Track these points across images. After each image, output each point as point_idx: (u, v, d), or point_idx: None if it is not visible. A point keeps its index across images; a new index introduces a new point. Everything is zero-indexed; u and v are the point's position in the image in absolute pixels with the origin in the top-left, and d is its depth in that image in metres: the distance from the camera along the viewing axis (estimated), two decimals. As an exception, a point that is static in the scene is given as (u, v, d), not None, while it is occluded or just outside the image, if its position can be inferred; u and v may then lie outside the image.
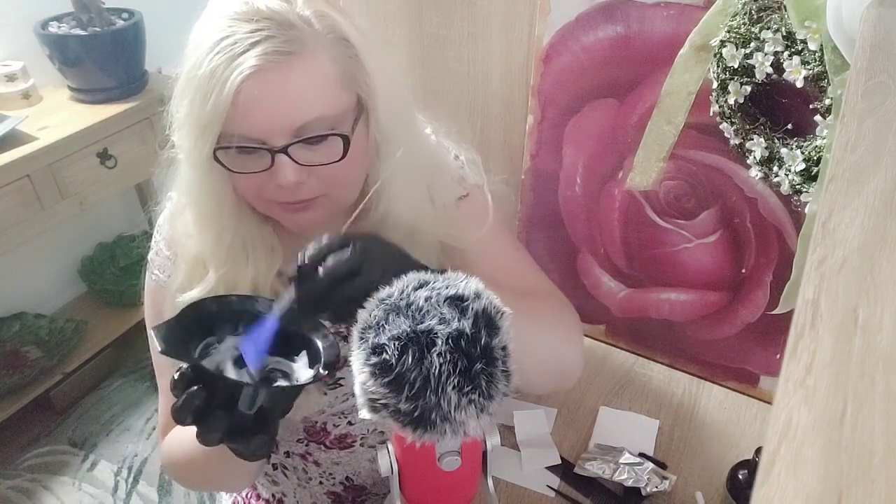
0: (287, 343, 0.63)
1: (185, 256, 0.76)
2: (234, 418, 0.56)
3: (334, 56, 0.65)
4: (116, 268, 2.12)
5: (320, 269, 0.57)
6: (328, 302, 0.58)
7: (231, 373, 0.60)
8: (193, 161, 0.68)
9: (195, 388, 0.56)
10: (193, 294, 0.74)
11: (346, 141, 0.66)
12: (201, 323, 0.62)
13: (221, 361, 0.61)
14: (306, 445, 0.89)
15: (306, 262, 0.58)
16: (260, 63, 0.61)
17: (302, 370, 0.63)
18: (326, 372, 0.60)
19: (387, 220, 0.75)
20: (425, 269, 0.60)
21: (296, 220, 0.72)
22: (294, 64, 0.62)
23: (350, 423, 0.87)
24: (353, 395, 0.84)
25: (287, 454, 0.91)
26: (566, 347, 0.78)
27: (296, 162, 0.65)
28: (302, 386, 0.60)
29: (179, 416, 0.55)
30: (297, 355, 0.64)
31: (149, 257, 0.83)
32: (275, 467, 0.94)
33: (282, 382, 0.61)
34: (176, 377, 0.57)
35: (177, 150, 0.71)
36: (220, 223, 0.72)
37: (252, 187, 0.69)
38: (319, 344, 0.63)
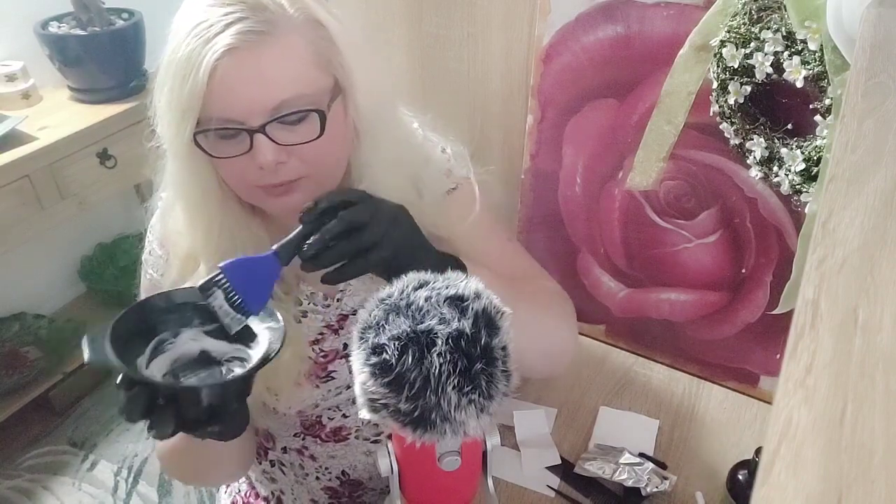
0: (242, 330, 0.63)
1: (177, 253, 0.77)
2: (182, 414, 0.56)
3: (308, 38, 0.66)
4: (116, 268, 2.11)
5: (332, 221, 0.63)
6: (331, 250, 0.62)
7: (189, 367, 0.61)
8: (176, 150, 0.68)
9: (135, 389, 0.55)
10: None
11: (323, 117, 0.67)
12: (148, 322, 0.62)
13: (181, 356, 0.61)
14: (302, 439, 0.89)
15: (321, 205, 0.63)
16: (234, 42, 0.62)
17: (258, 356, 0.62)
18: (270, 358, 0.59)
19: None
20: (426, 242, 0.65)
21: (279, 205, 0.72)
22: (268, 43, 0.64)
23: (345, 416, 0.87)
24: (346, 388, 0.84)
25: (284, 450, 0.92)
26: (556, 331, 0.80)
27: (274, 142, 0.65)
28: (242, 378, 0.59)
29: (128, 417, 0.55)
30: (252, 341, 0.63)
31: (143, 257, 0.84)
32: (272, 464, 0.95)
33: (236, 370, 0.61)
34: (117, 382, 0.56)
35: (160, 141, 0.71)
36: (208, 215, 0.73)
37: (235, 173, 0.69)
38: (268, 329, 0.63)
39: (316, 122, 0.67)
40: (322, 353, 0.83)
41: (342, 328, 0.83)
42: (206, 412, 0.57)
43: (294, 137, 0.67)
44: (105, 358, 0.55)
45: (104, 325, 0.57)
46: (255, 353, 0.62)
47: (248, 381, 0.60)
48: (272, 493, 0.98)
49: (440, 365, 0.47)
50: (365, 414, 0.50)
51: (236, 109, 0.64)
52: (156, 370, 0.60)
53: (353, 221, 0.63)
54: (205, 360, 0.62)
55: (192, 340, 0.62)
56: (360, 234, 0.63)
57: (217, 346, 0.63)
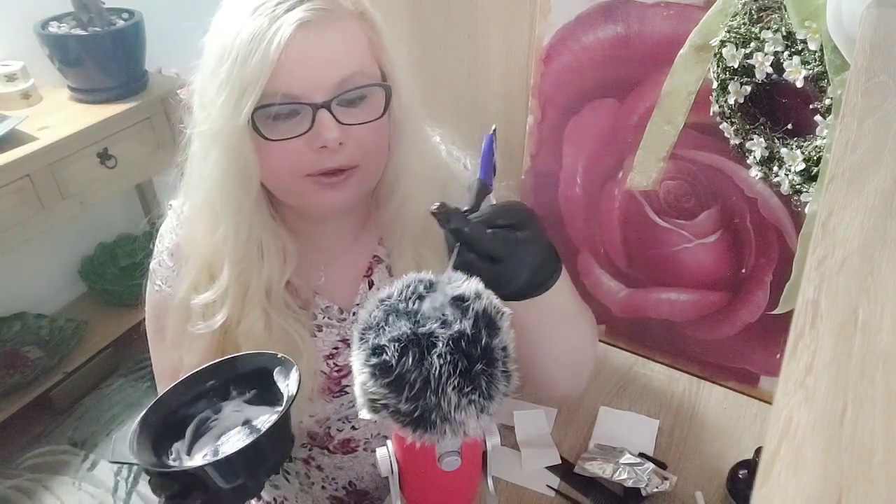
0: (267, 391, 0.62)
1: (195, 262, 0.75)
2: (210, 494, 0.57)
3: (363, 28, 0.68)
4: (117, 268, 2.12)
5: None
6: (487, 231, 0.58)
7: (238, 436, 0.60)
8: (225, 135, 0.66)
9: (160, 479, 0.57)
10: (207, 297, 0.74)
11: (388, 91, 0.69)
12: (182, 408, 0.61)
13: (227, 429, 0.61)
14: (309, 450, 0.89)
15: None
16: (307, 16, 0.63)
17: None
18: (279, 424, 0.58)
19: (402, 211, 0.76)
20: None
21: (327, 200, 0.70)
22: (334, 23, 0.66)
23: (354, 428, 0.87)
24: None
25: (289, 458, 0.91)
26: (584, 343, 0.77)
27: (336, 120, 0.66)
28: (252, 445, 0.56)
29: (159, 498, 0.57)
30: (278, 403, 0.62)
31: (151, 267, 0.82)
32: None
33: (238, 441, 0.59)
34: (150, 481, 0.58)
35: (202, 131, 0.69)
36: (237, 218, 0.71)
37: (288, 158, 0.67)
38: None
39: (378, 100, 0.68)
40: (336, 368, 0.82)
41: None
42: (241, 475, 0.57)
43: (354, 117, 0.67)
44: (124, 459, 0.55)
45: (132, 422, 0.57)
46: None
47: (259, 448, 0.57)
48: (275, 499, 0.98)
49: (440, 366, 0.47)
50: (365, 414, 0.50)
51: (302, 85, 0.64)
52: (201, 449, 0.60)
53: (521, 223, 0.61)
54: (250, 428, 0.61)
55: (235, 412, 0.62)
56: (515, 232, 0.60)
57: (259, 413, 0.62)
